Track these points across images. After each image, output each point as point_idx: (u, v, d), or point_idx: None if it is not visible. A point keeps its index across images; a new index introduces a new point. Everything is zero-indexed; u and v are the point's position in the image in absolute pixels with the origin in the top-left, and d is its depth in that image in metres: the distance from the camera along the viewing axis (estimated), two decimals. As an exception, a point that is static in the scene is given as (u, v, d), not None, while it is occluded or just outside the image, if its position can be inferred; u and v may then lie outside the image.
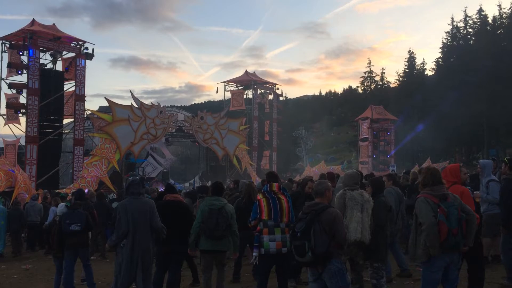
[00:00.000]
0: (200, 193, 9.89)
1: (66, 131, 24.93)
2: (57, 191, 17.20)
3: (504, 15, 46.64)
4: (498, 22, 47.05)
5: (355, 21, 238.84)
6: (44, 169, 21.66)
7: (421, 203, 4.40)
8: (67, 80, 24.20)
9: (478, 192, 7.05)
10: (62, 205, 8.05)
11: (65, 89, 23.97)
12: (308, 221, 4.31)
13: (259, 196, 5.82)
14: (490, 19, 47.54)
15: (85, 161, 22.22)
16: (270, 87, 38.87)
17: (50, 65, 23.79)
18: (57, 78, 23.44)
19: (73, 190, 16.14)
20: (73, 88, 23.84)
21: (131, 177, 6.21)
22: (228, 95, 37.99)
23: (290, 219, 5.71)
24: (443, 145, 42.74)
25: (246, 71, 38.64)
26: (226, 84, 38.29)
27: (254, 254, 5.61)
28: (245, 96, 37.46)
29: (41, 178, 21.33)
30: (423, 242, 4.32)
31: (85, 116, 23.91)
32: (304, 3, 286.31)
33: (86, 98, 23.97)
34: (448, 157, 40.78)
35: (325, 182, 4.85)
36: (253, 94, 36.84)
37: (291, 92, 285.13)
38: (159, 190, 11.84)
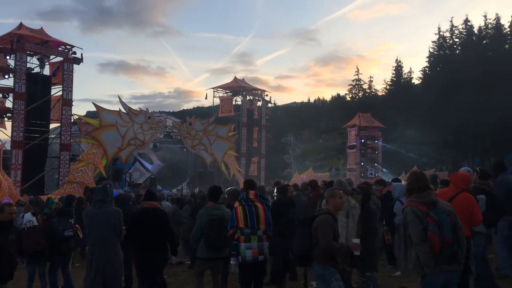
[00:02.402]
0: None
1: (52, 136, 24.67)
2: (43, 196, 16.95)
3: (489, 25, 47.44)
4: (484, 33, 47.82)
5: (346, 29, 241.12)
6: (30, 174, 21.36)
7: (408, 214, 3.99)
8: (55, 84, 23.98)
9: None
10: (29, 214, 7.84)
11: (52, 93, 23.73)
12: (303, 223, 4.44)
13: (236, 204, 5.80)
14: (476, 30, 48.35)
15: (71, 167, 22.00)
16: (259, 93, 38.96)
17: (37, 69, 23.57)
18: (44, 83, 23.19)
19: (59, 196, 15.96)
20: (60, 93, 23.63)
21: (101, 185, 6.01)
22: (217, 101, 38.00)
23: (267, 227, 5.69)
24: (430, 153, 43.15)
25: (235, 77, 38.71)
26: (215, 90, 38.29)
27: (232, 262, 5.59)
28: (234, 103, 37.51)
29: (26, 183, 21.03)
30: (415, 257, 3.94)
31: (72, 121, 23.69)
32: (295, 10, 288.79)
33: (73, 103, 23.80)
34: (434, 165, 41.15)
35: (332, 189, 4.90)
36: (242, 101, 36.88)
37: (280, 99, 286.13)
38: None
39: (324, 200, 4.95)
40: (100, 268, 5.34)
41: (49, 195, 17.76)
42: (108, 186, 5.76)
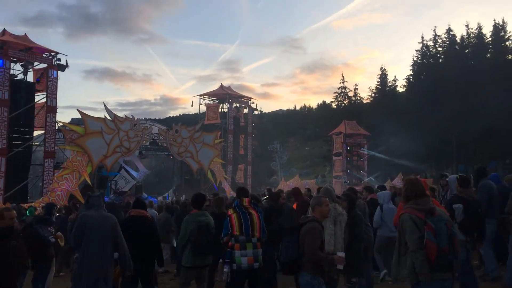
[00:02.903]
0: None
1: (36, 143, 24.35)
2: (25, 205, 16.71)
3: (471, 34, 48.34)
4: (466, 42, 48.70)
5: (331, 37, 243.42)
6: (13, 182, 21.03)
7: (406, 221, 3.97)
8: (39, 91, 23.74)
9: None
10: None
11: (36, 100, 23.47)
12: (290, 231, 4.43)
13: (230, 212, 5.78)
14: (458, 39, 49.20)
15: (55, 174, 21.71)
16: (245, 101, 39.05)
17: (20, 76, 23.31)
18: (27, 89, 22.93)
19: (42, 204, 15.74)
20: (44, 100, 23.38)
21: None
22: (203, 108, 37.99)
23: (262, 234, 5.70)
24: (414, 161, 43.63)
25: (221, 84, 38.77)
26: (201, 97, 38.28)
27: (225, 270, 5.55)
28: (220, 110, 37.54)
29: (9, 191, 20.70)
30: (410, 263, 3.93)
31: (56, 128, 23.43)
32: (281, 19, 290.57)
33: (58, 110, 23.65)
34: (419, 172, 41.59)
35: (319, 197, 4.90)
36: (228, 108, 36.92)
37: (267, 106, 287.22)
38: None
39: (310, 208, 4.96)
40: (88, 272, 5.22)
41: (32, 203, 17.55)
42: (101, 194, 5.75)
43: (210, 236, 6.02)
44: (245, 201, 5.83)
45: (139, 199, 7.20)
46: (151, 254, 6.08)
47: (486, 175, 7.32)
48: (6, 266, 4.40)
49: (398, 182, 23.49)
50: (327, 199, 4.91)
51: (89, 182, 22.98)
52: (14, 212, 4.96)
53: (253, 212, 5.76)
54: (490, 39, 47.58)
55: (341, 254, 4.58)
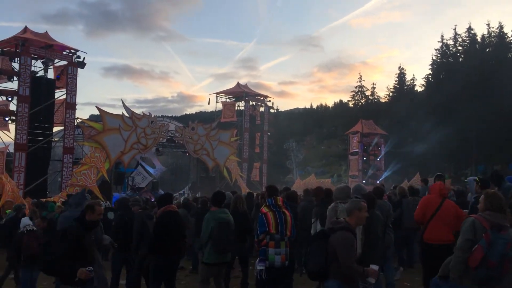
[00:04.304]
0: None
1: (55, 139, 24.75)
2: (44, 199, 16.96)
3: (492, 34, 47.49)
4: (487, 41, 47.86)
5: (349, 35, 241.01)
6: (32, 177, 21.43)
7: (467, 223, 3.97)
8: (58, 88, 24.10)
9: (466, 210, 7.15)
10: (26, 218, 7.80)
11: (56, 97, 23.86)
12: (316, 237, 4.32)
13: (265, 210, 5.84)
14: (479, 38, 48.36)
15: (74, 170, 22.05)
16: (261, 99, 39.05)
17: (41, 73, 23.70)
18: (48, 86, 23.31)
19: (62, 199, 15.99)
20: (64, 96, 23.76)
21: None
22: (220, 106, 38.12)
23: (292, 233, 5.77)
24: (433, 161, 43.08)
25: (238, 82, 38.83)
26: (218, 95, 38.40)
27: (259, 267, 5.59)
28: (236, 108, 37.58)
29: (29, 186, 21.10)
30: (449, 259, 4.00)
31: (75, 124, 23.78)
32: (299, 17, 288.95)
33: (77, 107, 23.93)
34: (437, 172, 41.00)
35: (358, 201, 4.66)
36: (244, 106, 36.95)
37: (283, 104, 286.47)
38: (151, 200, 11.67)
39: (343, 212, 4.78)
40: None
41: (52, 198, 17.83)
42: (86, 193, 5.76)
43: (231, 233, 6.09)
44: (279, 200, 5.93)
45: (169, 194, 7.36)
46: (182, 248, 6.28)
47: (503, 178, 7.23)
48: (90, 256, 4.61)
49: (416, 182, 23.17)
50: (366, 204, 4.68)
51: (107, 178, 23.30)
52: (102, 208, 5.14)
53: (286, 211, 5.86)
54: (511, 38, 46.70)
55: (374, 267, 4.40)
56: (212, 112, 41.30)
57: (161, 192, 25.10)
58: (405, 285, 7.52)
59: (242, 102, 37.32)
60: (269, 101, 39.41)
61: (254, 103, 38.31)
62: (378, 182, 34.43)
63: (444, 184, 7.01)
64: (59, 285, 4.44)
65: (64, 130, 23.63)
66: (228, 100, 38.46)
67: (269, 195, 6.08)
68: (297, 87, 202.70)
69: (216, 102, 38.23)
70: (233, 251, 6.29)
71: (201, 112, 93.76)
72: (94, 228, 5.01)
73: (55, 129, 24.80)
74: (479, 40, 48.29)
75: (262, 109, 39.05)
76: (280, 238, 5.62)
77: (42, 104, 22.27)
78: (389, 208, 7.54)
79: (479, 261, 3.64)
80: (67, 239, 4.42)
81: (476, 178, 6.81)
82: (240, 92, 37.39)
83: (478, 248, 3.68)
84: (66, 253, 4.30)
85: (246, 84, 39.87)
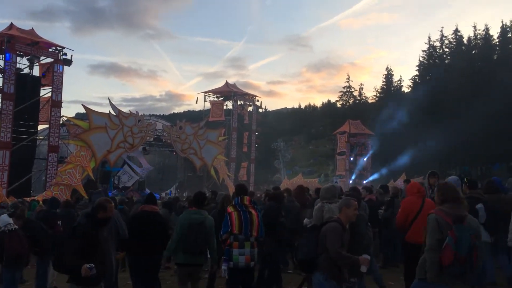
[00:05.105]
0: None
1: (40, 137, 24.47)
2: (28, 198, 16.76)
3: (478, 36, 48.09)
4: (473, 43, 48.45)
5: (338, 36, 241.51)
6: (16, 175, 21.17)
7: (431, 221, 3.98)
8: (44, 85, 23.84)
9: None
10: (4, 215, 7.74)
11: (41, 94, 23.58)
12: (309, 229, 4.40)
13: (230, 209, 5.73)
14: (465, 40, 48.95)
15: (59, 169, 21.82)
16: (250, 98, 39.06)
17: (27, 70, 23.41)
18: (33, 83, 23.05)
19: (45, 198, 15.80)
20: (49, 94, 23.50)
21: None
22: (208, 105, 38.02)
23: (260, 233, 5.70)
24: (417, 162, 43.46)
25: (226, 82, 38.80)
26: (206, 94, 38.32)
27: (223, 267, 5.57)
28: (224, 107, 37.55)
29: (13, 184, 20.82)
30: (423, 260, 4.00)
31: (61, 122, 23.53)
32: (288, 17, 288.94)
33: (62, 105, 23.72)
34: (422, 173, 41.40)
35: (348, 199, 4.78)
36: (232, 105, 36.93)
37: (271, 104, 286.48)
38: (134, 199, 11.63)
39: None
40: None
41: (35, 197, 17.61)
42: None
43: (202, 236, 5.95)
44: (246, 199, 5.79)
45: (152, 194, 7.32)
46: (161, 250, 6.17)
47: (476, 183, 7.34)
48: (101, 251, 4.66)
49: (400, 182, 23.38)
50: (356, 202, 4.77)
51: (92, 177, 23.11)
52: (112, 205, 5.22)
53: (253, 211, 5.72)
54: (497, 40, 47.32)
55: (366, 256, 4.42)
56: (200, 111, 41.20)
57: (147, 191, 24.99)
58: (389, 284, 7.54)
59: (231, 101, 37.30)
60: (258, 100, 39.54)
61: (242, 102, 38.31)
62: (364, 182, 34.65)
63: (432, 182, 6.96)
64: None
65: (49, 128, 23.37)
66: (216, 99, 38.39)
67: (237, 194, 5.97)
68: (286, 86, 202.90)
69: (204, 101, 38.22)
70: (204, 253, 6.18)
71: (189, 111, 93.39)
72: (106, 225, 5.12)
73: (40, 127, 24.57)
74: (465, 42, 48.88)
75: (250, 108, 39.07)
76: (245, 238, 5.53)
77: (27, 101, 22.00)
78: (365, 207, 7.64)
79: (451, 260, 3.70)
80: (76, 236, 4.51)
81: (465, 178, 6.86)
82: (228, 92, 37.35)
83: (447, 247, 3.73)
84: (75, 250, 4.34)
85: (235, 83, 39.89)
